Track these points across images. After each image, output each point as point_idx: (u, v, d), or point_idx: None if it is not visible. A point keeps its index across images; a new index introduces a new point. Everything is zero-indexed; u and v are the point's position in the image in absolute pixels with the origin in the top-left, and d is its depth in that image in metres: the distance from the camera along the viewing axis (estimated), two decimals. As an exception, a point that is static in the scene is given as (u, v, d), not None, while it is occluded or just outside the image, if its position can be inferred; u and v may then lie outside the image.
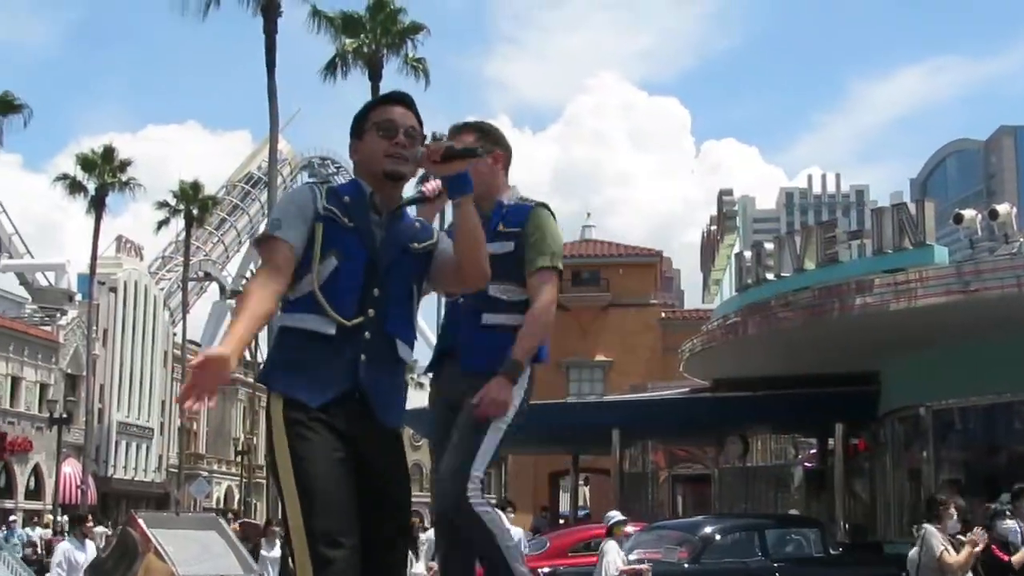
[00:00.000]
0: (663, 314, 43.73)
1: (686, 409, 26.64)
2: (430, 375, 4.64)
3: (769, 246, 21.89)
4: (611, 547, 13.68)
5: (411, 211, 3.75)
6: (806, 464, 28.02)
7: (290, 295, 3.39)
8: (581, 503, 39.91)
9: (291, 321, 3.39)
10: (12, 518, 37.21)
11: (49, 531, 33.77)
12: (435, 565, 13.50)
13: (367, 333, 3.35)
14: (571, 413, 29.22)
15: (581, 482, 40.02)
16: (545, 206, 4.57)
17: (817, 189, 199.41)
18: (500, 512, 4.39)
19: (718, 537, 16.03)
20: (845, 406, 22.63)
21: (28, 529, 33.56)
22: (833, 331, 19.01)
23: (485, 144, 4.45)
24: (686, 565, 15.33)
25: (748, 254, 22.57)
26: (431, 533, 14.35)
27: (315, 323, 3.34)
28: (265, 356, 3.70)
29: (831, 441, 24.85)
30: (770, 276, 21.07)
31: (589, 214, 53.79)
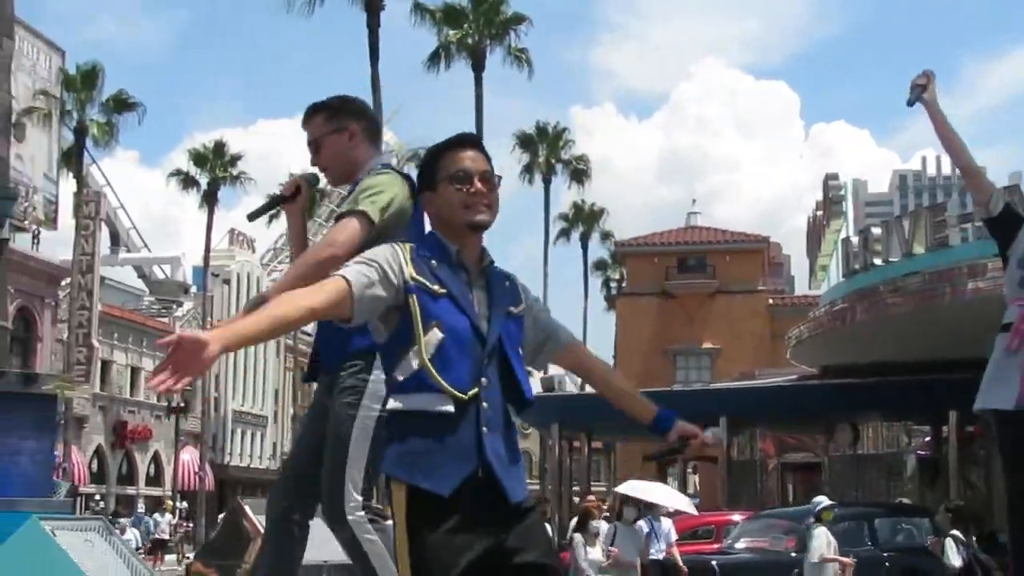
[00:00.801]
0: (771, 300, 43.28)
1: (794, 397, 26.34)
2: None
3: (876, 231, 21.52)
4: (820, 532, 13.60)
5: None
6: (919, 452, 27.51)
7: (397, 375, 3.17)
8: (691, 491, 39.70)
9: (403, 403, 3.16)
10: (140, 508, 38.17)
11: (173, 516, 34.59)
12: (615, 550, 13.49)
13: (484, 403, 3.14)
14: (678, 401, 29.06)
15: (689, 470, 39.79)
16: (388, 167, 4.25)
17: (932, 171, 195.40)
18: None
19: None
20: (959, 393, 21.93)
21: (157, 515, 34.36)
22: (944, 316, 18.63)
23: (335, 120, 4.28)
24: (793, 554, 15.17)
25: (855, 239, 22.23)
26: (602, 523, 14.33)
27: (430, 401, 3.12)
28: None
29: (945, 429, 24.35)
30: (878, 261, 20.72)
31: (694, 201, 53.44)
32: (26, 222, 39.70)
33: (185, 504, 48.10)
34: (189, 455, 54.47)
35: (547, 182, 55.95)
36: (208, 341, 2.81)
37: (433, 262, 3.23)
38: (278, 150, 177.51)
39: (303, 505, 4.35)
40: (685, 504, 18.45)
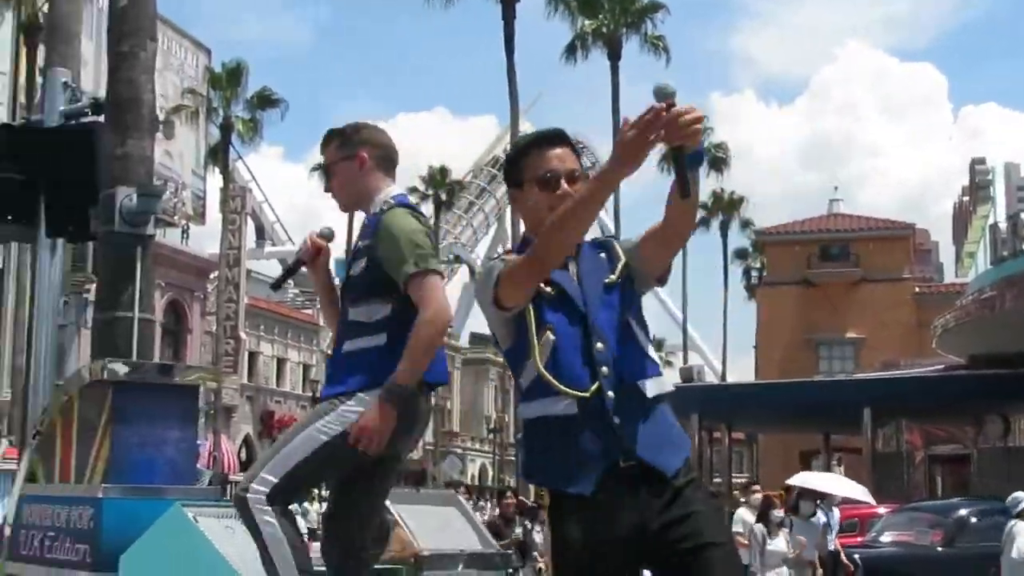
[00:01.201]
0: (917, 289, 42.32)
1: (940, 387, 25.75)
2: None
3: (1027, 216, 20.88)
4: (1021, 529, 13.30)
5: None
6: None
7: (522, 382, 3.19)
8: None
9: (530, 411, 3.17)
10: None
11: (319, 505, 35.23)
12: (803, 539, 13.03)
13: (609, 393, 3.07)
14: (821, 391, 28.65)
15: (834, 462, 39.14)
16: (405, 205, 4.16)
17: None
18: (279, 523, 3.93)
19: (974, 520, 15.43)
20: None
21: (306, 504, 35.04)
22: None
23: (347, 147, 4.18)
24: (939, 549, 14.85)
25: (1003, 225, 21.65)
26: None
27: (553, 406, 3.09)
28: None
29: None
30: (1028, 248, 20.11)
31: (836, 187, 52.62)
32: (175, 217, 40.91)
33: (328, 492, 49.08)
34: (333, 444, 55.51)
35: (685, 171, 55.53)
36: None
37: None
38: (417, 143, 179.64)
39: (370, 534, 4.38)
40: (861, 493, 17.85)
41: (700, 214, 58.63)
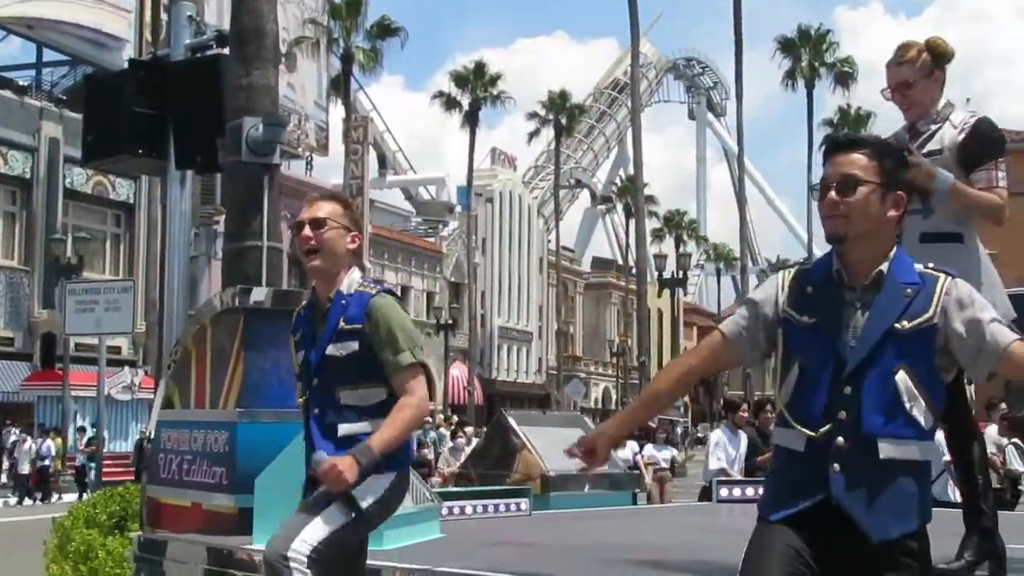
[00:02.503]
0: (1053, 203, 40.91)
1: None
2: None
3: None
4: None
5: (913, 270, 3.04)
6: None
7: (780, 406, 3.11)
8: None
9: (775, 436, 3.13)
10: (428, 419, 39.54)
11: (446, 431, 35.69)
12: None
13: (840, 439, 2.91)
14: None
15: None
16: (388, 292, 4.14)
17: None
18: None
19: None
20: None
21: (443, 428, 35.50)
22: None
23: (348, 218, 4.15)
24: None
25: None
26: None
27: (787, 439, 3.01)
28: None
29: None
30: None
31: (968, 100, 50.80)
32: (300, 149, 41.45)
33: (456, 417, 49.80)
34: (458, 371, 56.21)
35: (810, 87, 54.50)
36: (605, 441, 3.26)
37: (809, 289, 3.06)
38: (536, 67, 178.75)
39: None
40: None
41: (825, 131, 57.48)
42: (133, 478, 22.08)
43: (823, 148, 3.16)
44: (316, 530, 3.88)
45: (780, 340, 3.08)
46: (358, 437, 3.98)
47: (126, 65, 9.95)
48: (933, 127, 4.64)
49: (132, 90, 9.24)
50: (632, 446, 19.89)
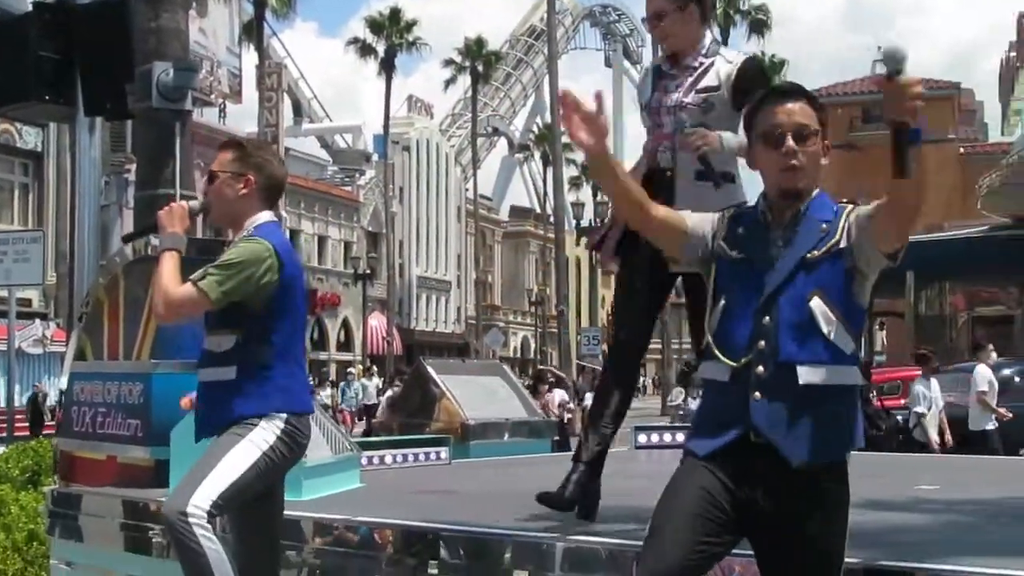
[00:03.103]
0: (962, 149, 41.69)
1: (984, 248, 25.42)
2: None
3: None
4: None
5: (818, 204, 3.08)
6: None
7: (703, 344, 3.17)
8: (878, 348, 39.06)
9: (701, 370, 3.19)
10: (350, 371, 39.47)
11: (379, 379, 35.67)
12: None
13: (760, 368, 2.95)
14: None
15: (876, 326, 39.12)
16: (265, 235, 4.07)
17: None
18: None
19: (1017, 379, 15.41)
20: None
21: (364, 380, 35.50)
22: None
23: (239, 164, 4.11)
24: (983, 408, 14.82)
25: (1053, 80, 21.14)
26: None
27: (712, 371, 3.06)
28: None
29: None
30: (1078, 103, 19.69)
31: (880, 47, 51.41)
32: (212, 96, 40.73)
33: (375, 367, 49.75)
34: (377, 320, 56.05)
35: (725, 34, 54.57)
36: (602, 150, 3.02)
37: (740, 229, 3.11)
38: (453, 14, 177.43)
39: None
40: None
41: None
42: (28, 432, 21.80)
43: (763, 96, 3.16)
44: (217, 480, 3.83)
45: (711, 275, 3.11)
46: (213, 384, 4.00)
47: (30, 8, 9.67)
48: (705, 61, 4.71)
49: (37, 34, 9.00)
50: (561, 394, 20.04)
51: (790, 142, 3.01)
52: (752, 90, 4.26)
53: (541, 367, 40.86)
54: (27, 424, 25.51)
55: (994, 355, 14.94)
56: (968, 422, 13.89)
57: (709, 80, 4.66)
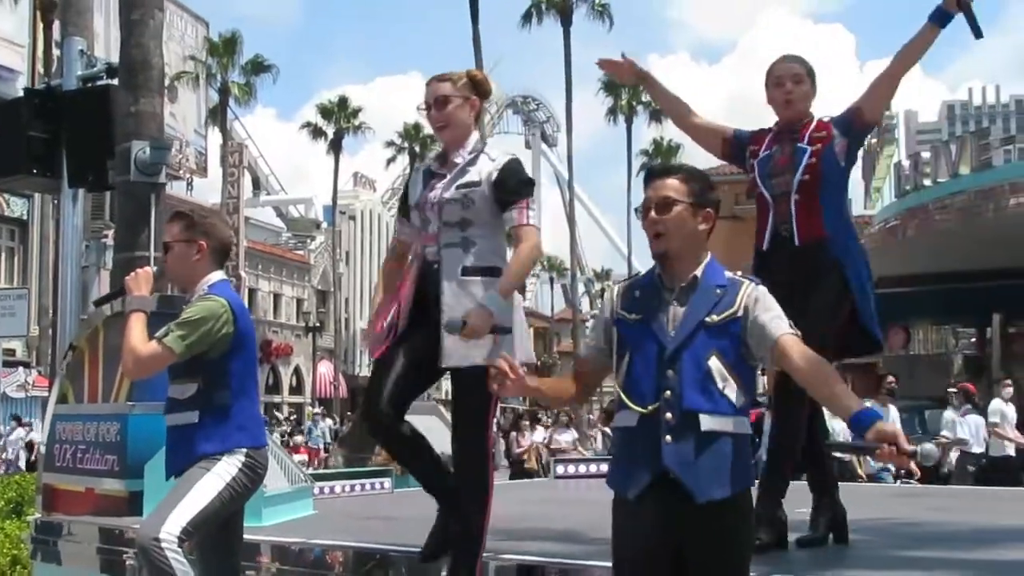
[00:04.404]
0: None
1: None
2: None
3: (926, 155, 20.99)
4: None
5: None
6: (965, 352, 27.02)
7: (618, 391, 3.14)
8: (760, 391, 39.42)
9: (615, 422, 3.18)
10: (316, 410, 38.83)
11: (333, 422, 35.14)
12: None
13: (668, 414, 2.97)
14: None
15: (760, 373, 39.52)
16: (219, 294, 4.02)
17: (978, 100, 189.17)
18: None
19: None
20: (1002, 297, 21.65)
21: (321, 422, 34.89)
22: (988, 230, 18.15)
23: (190, 232, 4.06)
24: (851, 443, 15.02)
25: (907, 163, 21.68)
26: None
27: (623, 418, 3.07)
28: None
29: (988, 330, 23.84)
30: (927, 182, 20.21)
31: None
32: (181, 171, 40.43)
33: (322, 409, 49.21)
34: (325, 368, 55.52)
35: (629, 122, 55.43)
36: None
37: (637, 293, 3.14)
38: (392, 102, 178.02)
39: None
40: None
41: (642, 160, 58.63)
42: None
43: (644, 176, 3.22)
44: (186, 508, 3.77)
45: (615, 338, 3.13)
46: (177, 427, 3.94)
47: (22, 93, 9.58)
48: (469, 157, 4.31)
49: (28, 115, 8.94)
50: (540, 432, 19.80)
51: (652, 214, 3.08)
52: (514, 193, 4.16)
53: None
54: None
55: (1009, 390, 14.53)
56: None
57: (471, 176, 4.24)
